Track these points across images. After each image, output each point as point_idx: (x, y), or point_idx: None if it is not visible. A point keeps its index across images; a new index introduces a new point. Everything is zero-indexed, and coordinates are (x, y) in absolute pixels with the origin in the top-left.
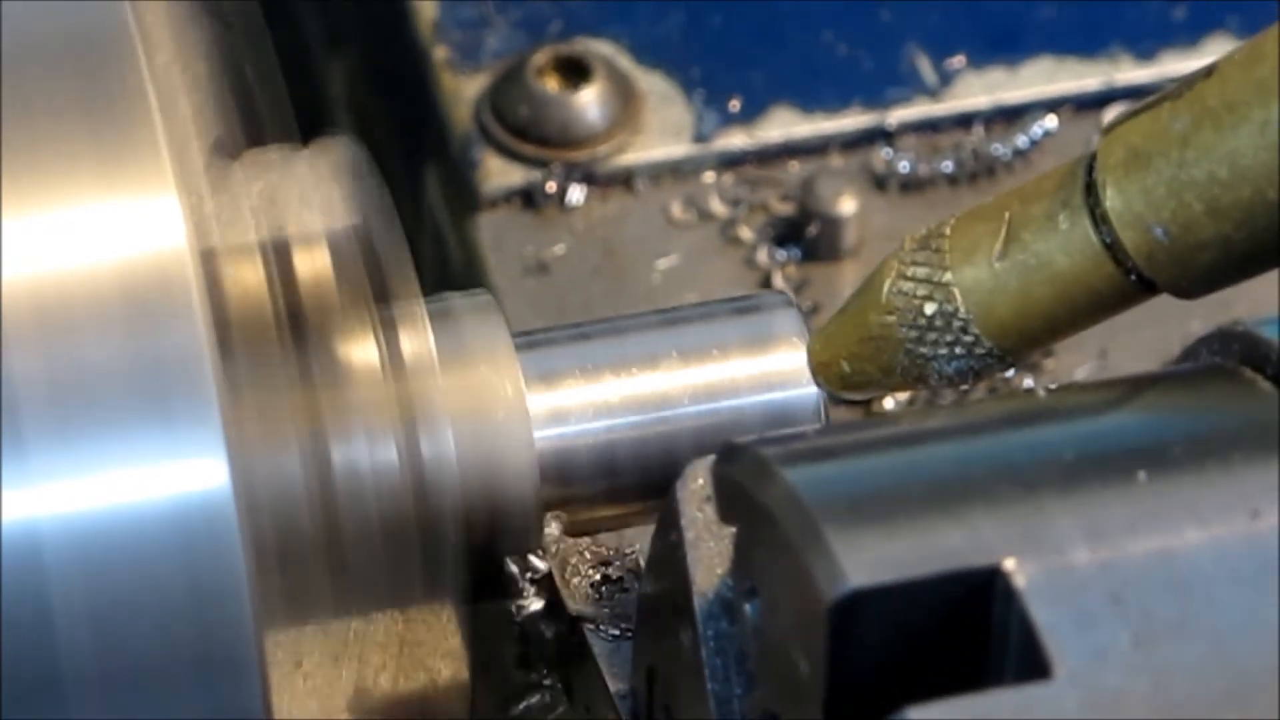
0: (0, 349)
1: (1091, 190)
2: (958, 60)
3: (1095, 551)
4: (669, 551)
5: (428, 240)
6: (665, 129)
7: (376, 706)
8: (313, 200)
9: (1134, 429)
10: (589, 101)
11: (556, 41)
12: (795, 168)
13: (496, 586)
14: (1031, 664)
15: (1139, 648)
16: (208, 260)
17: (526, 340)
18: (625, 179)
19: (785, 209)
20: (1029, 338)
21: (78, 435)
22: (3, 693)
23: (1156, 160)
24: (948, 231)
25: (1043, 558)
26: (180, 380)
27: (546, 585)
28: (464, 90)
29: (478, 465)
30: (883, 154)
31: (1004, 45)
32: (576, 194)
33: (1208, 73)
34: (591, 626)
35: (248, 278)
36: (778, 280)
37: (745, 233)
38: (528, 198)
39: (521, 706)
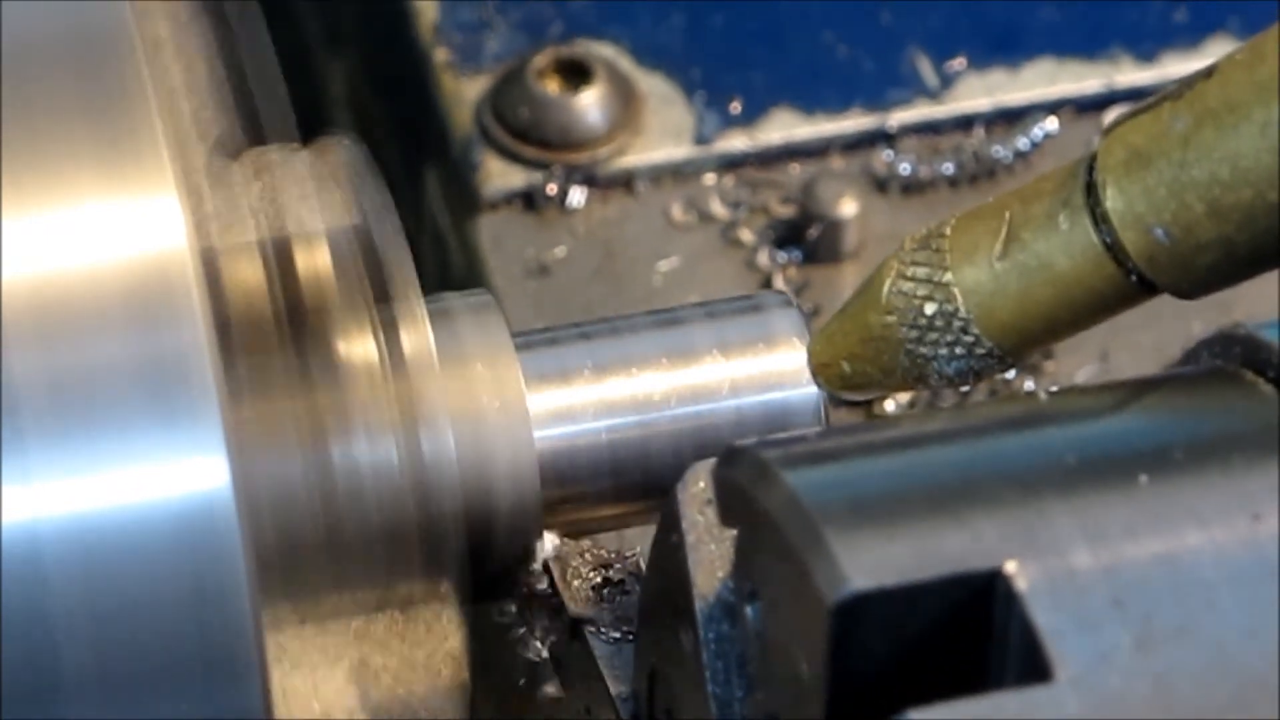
0: (0, 349)
1: (1092, 191)
2: (958, 62)
3: (1097, 555)
4: (670, 554)
5: (428, 242)
6: (666, 131)
7: (377, 706)
8: (313, 200)
9: (1135, 432)
10: (590, 103)
11: (557, 43)
12: (796, 170)
13: (497, 587)
14: (1033, 667)
15: (1140, 651)
16: (208, 260)
17: (526, 340)
18: (626, 181)
19: (786, 211)
20: (1029, 338)
21: (78, 435)
22: (3, 693)
23: (1157, 161)
24: (948, 232)
25: (1044, 561)
26: (180, 380)
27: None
28: (465, 92)
29: (478, 465)
30: (883, 156)
31: (1005, 47)
32: (577, 196)
33: (1208, 73)
34: (592, 629)
35: (248, 278)
36: (778, 282)
37: (746, 235)
38: (528, 200)
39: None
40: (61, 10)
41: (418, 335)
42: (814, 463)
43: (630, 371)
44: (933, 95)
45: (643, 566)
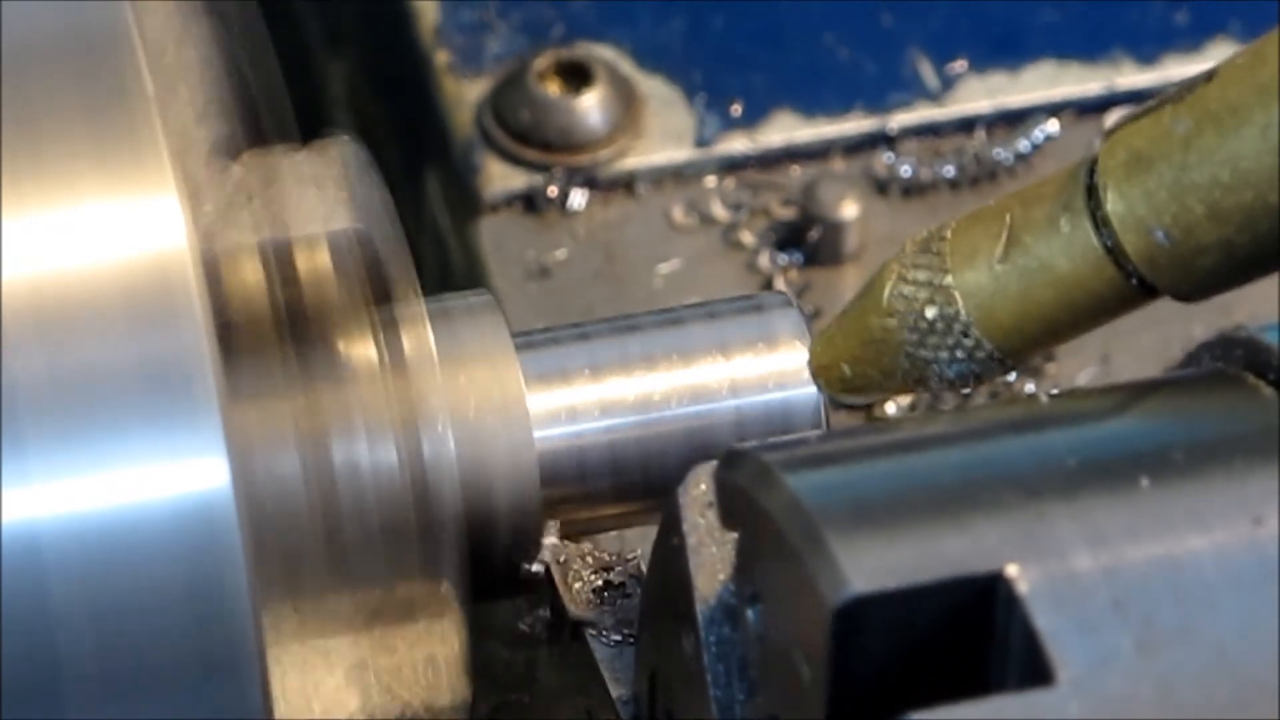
0: (0, 349)
1: (1093, 193)
2: (959, 64)
3: (1098, 557)
4: (671, 557)
5: (429, 244)
6: (667, 133)
7: (376, 707)
8: (313, 201)
9: (1136, 434)
10: (590, 106)
11: (558, 45)
12: (797, 172)
13: (497, 587)
14: (1034, 670)
15: (1141, 654)
16: (208, 260)
17: (526, 340)
18: (627, 183)
19: (787, 213)
20: (1030, 341)
21: (78, 435)
22: (3, 693)
23: (1158, 164)
24: (948, 235)
25: (1045, 564)
26: (180, 380)
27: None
28: (465, 94)
29: (478, 465)
30: (884, 158)
31: (1005, 49)
32: (578, 198)
33: (1209, 76)
34: (593, 632)
35: (248, 278)
36: (779, 284)
37: (747, 237)
38: (529, 202)
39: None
40: (61, 10)
41: (418, 336)
42: (815, 466)
43: (630, 372)
44: (933, 97)
45: (643, 569)
